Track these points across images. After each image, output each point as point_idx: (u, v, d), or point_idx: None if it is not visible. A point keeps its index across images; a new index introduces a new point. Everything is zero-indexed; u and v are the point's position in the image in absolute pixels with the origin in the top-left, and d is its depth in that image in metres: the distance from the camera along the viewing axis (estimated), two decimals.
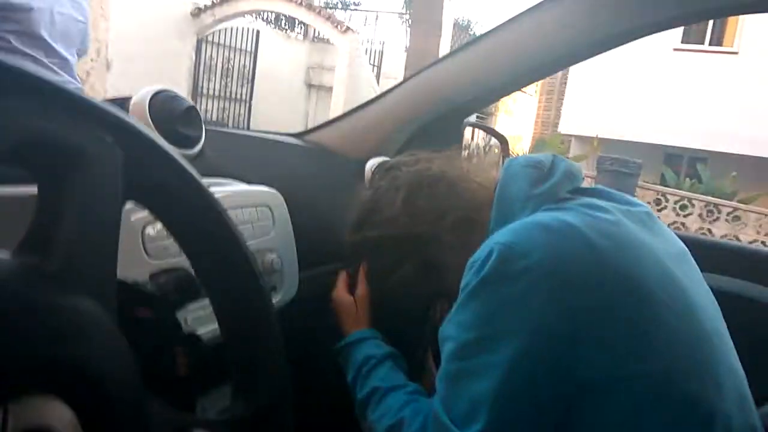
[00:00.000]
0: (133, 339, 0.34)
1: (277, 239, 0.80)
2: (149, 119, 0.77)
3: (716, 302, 0.72)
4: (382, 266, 0.85)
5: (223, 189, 0.74)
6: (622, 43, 1.08)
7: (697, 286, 0.70)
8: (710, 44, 10.27)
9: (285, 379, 0.43)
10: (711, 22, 10.15)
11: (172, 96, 0.80)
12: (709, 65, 10.01)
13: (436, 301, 0.92)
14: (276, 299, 0.80)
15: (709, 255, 0.73)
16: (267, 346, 0.42)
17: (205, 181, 0.79)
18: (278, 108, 11.23)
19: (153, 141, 0.38)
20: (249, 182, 0.85)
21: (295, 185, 0.98)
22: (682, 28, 10.03)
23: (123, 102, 0.81)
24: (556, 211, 0.67)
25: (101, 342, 0.31)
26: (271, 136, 1.18)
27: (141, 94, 0.81)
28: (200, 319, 0.63)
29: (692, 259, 0.74)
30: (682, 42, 10.29)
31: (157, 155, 0.38)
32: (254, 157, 0.98)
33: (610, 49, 1.11)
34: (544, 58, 1.13)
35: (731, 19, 10.02)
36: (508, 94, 1.27)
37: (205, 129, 0.87)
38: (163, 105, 0.79)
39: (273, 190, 0.82)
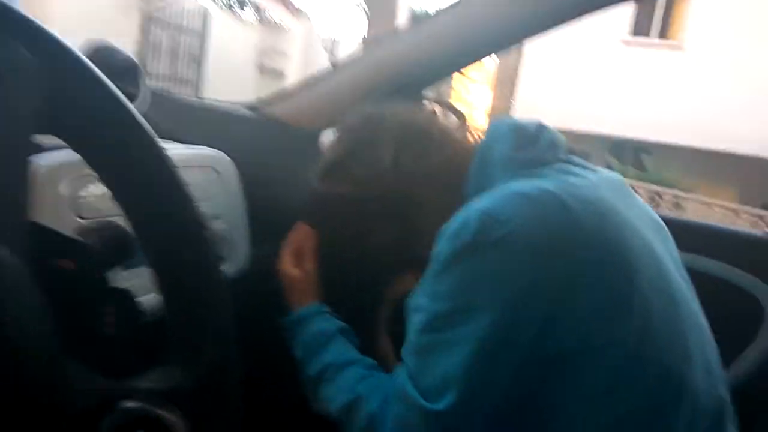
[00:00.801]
0: (51, 292, 0.29)
1: (224, 205, 0.74)
2: None
3: (688, 277, 0.71)
4: (356, 228, 0.78)
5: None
6: (575, 18, 1.07)
7: (671, 259, 0.68)
8: (657, 37, 10.57)
9: (230, 346, 0.38)
10: (658, 15, 10.45)
11: (107, 47, 0.74)
12: (656, 57, 10.31)
13: (403, 271, 0.88)
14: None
15: (685, 234, 0.72)
16: (211, 308, 0.37)
17: None
18: (228, 91, 10.95)
19: (82, 62, 0.32)
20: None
21: (247, 156, 0.92)
22: (630, 21, 10.31)
23: None
24: (534, 178, 0.64)
25: (5, 291, 0.25)
26: (222, 105, 1.11)
27: (79, 46, 0.74)
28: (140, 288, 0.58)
29: (667, 231, 0.73)
30: (630, 34, 10.55)
31: (88, 81, 0.32)
32: (203, 125, 0.92)
33: (562, 24, 1.09)
34: (498, 32, 1.12)
35: (677, 13, 10.35)
36: (465, 65, 1.24)
37: (150, 90, 0.81)
38: (102, 58, 0.73)
39: (219, 152, 0.76)
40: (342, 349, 0.76)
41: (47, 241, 0.33)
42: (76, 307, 0.33)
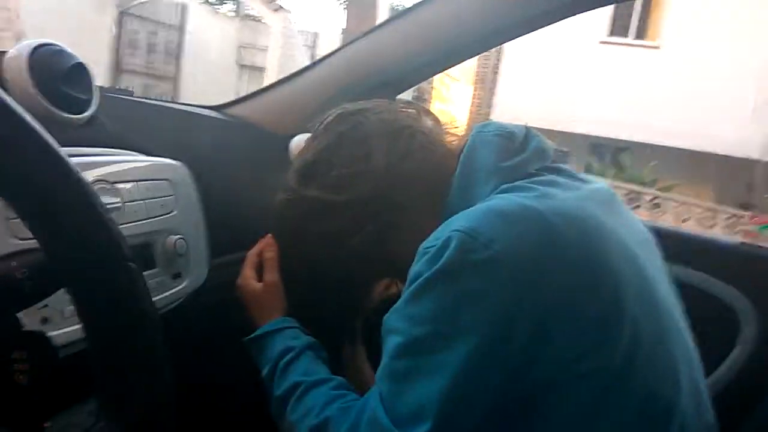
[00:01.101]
0: None
1: (181, 219, 0.70)
2: (28, 77, 0.66)
3: (675, 293, 0.68)
4: (332, 233, 0.71)
5: (114, 159, 0.64)
6: (556, 20, 1.04)
7: (660, 275, 0.66)
8: (635, 38, 10.66)
9: (163, 385, 0.34)
10: (636, 16, 10.54)
11: (56, 50, 0.69)
12: (633, 58, 10.40)
13: (381, 279, 0.84)
14: (180, 287, 0.71)
15: (671, 244, 0.70)
16: (140, 343, 0.33)
17: (94, 150, 0.69)
18: (208, 87, 10.83)
19: None
20: (152, 155, 0.74)
21: (211, 161, 0.88)
22: (608, 21, 10.39)
23: None
24: (518, 192, 0.61)
25: None
26: (184, 107, 1.07)
27: (19, 47, 0.69)
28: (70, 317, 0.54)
29: (656, 246, 0.70)
30: (608, 35, 10.63)
31: None
32: (162, 129, 0.88)
33: (542, 26, 1.06)
34: (477, 32, 1.08)
35: (654, 14, 10.45)
36: (442, 69, 1.20)
37: (102, 93, 0.76)
38: (45, 60, 0.68)
39: (176, 162, 0.72)
40: (310, 367, 0.72)
41: None
42: None
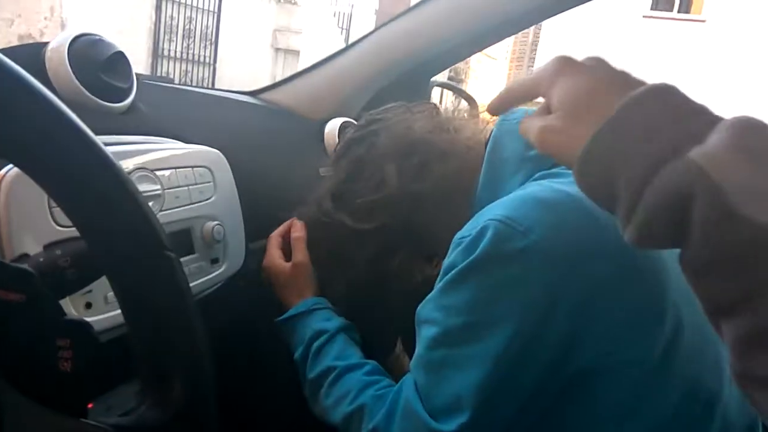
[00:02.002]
0: None
1: (220, 205, 0.71)
2: (68, 67, 0.67)
3: None
4: (365, 260, 0.74)
5: (153, 146, 0.65)
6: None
7: None
8: (679, 11, 10.29)
9: (205, 374, 0.35)
10: None
11: (95, 40, 0.70)
12: (678, 32, 10.04)
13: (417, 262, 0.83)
14: (218, 272, 0.72)
15: None
16: (180, 333, 0.34)
17: (134, 138, 0.71)
18: (244, 71, 10.92)
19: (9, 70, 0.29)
20: (190, 142, 0.75)
21: (246, 147, 0.89)
22: None
23: (40, 48, 0.71)
24: (553, 179, 0.59)
25: None
26: (220, 93, 1.08)
27: (59, 38, 0.71)
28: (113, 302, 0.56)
29: None
30: (651, 9, 10.28)
31: (17, 91, 0.29)
32: (198, 116, 0.89)
33: (583, 2, 1.03)
34: (511, 13, 1.06)
35: None
36: (478, 50, 1.18)
37: (140, 81, 0.77)
38: (84, 51, 0.69)
39: (214, 150, 0.73)
40: (344, 351, 0.72)
41: None
42: (26, 343, 0.30)
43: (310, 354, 0.73)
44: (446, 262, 0.58)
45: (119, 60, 0.71)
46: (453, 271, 0.55)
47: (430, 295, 0.59)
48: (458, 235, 0.58)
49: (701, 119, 0.36)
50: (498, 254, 0.53)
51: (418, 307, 0.60)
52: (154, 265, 0.33)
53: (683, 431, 0.54)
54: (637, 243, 0.36)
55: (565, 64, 0.44)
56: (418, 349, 0.59)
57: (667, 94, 0.38)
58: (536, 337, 0.52)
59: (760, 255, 0.30)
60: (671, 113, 0.36)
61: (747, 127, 0.33)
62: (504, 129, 0.67)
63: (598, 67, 0.43)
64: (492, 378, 0.53)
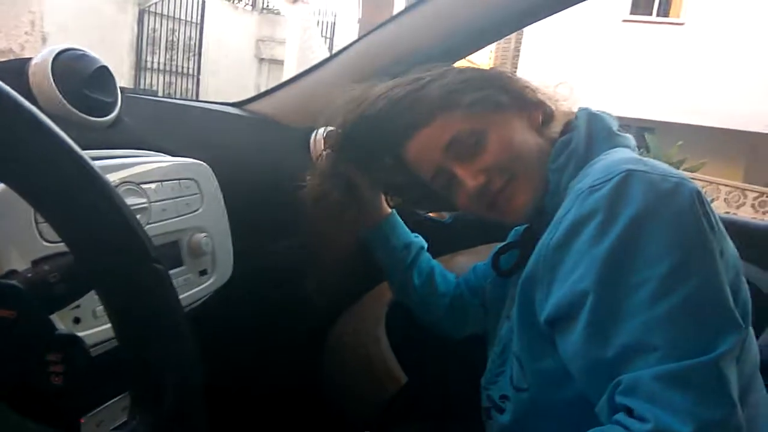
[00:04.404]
0: None
1: (207, 217, 0.71)
2: (52, 82, 0.67)
3: None
4: None
5: (139, 160, 0.65)
6: (568, 6, 1.02)
7: None
8: (658, 15, 10.43)
9: (195, 386, 0.35)
10: None
11: (79, 55, 0.70)
12: (657, 36, 10.18)
13: None
14: (206, 284, 0.72)
15: None
16: (170, 345, 0.34)
17: (119, 152, 0.71)
18: (228, 82, 10.90)
19: None
20: (176, 155, 0.76)
21: (232, 158, 0.90)
22: (630, 1, 10.17)
23: (24, 63, 0.71)
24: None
25: None
26: (205, 105, 1.08)
27: (43, 53, 0.71)
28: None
29: None
30: (630, 13, 10.41)
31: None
32: (184, 128, 0.89)
33: (564, 8, 1.04)
34: (493, 20, 1.07)
35: None
36: (462, 56, 1.19)
37: (124, 95, 0.77)
38: (68, 66, 0.69)
39: (200, 162, 0.73)
40: None
41: None
42: (17, 359, 0.30)
43: None
44: (573, 214, 0.61)
45: (103, 74, 0.71)
46: (613, 226, 0.58)
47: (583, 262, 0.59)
48: (583, 185, 0.62)
49: None
50: (656, 194, 0.58)
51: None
52: (143, 277, 0.33)
53: None
54: None
55: None
56: (634, 317, 0.55)
57: None
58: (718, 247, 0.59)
59: None
60: None
61: None
62: (590, 111, 0.79)
63: None
64: (721, 287, 0.56)
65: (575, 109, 0.80)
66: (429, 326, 1.06)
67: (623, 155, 0.66)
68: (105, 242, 0.32)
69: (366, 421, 1.14)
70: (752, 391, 0.66)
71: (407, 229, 1.01)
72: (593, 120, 0.76)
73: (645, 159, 0.64)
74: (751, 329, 0.67)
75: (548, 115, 0.81)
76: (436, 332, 1.06)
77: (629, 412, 0.53)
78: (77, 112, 0.67)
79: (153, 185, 0.64)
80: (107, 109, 0.71)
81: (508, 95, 0.78)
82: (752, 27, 9.09)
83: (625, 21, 10.36)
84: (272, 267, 0.90)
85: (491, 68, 0.85)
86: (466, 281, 1.04)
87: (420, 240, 1.03)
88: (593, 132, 0.74)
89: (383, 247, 0.99)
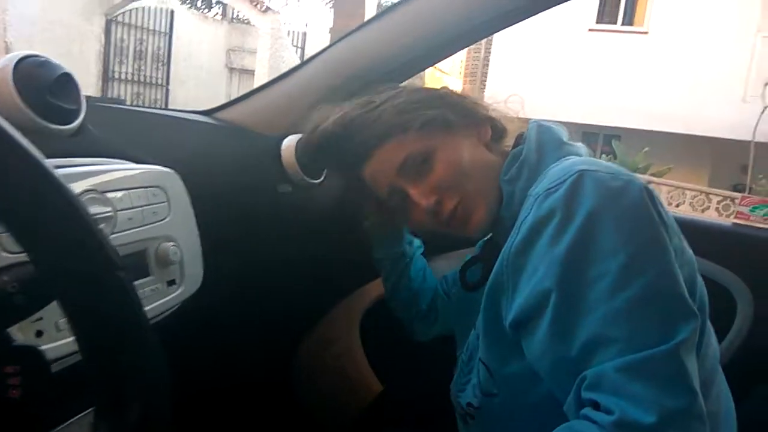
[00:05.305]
0: None
1: (175, 225, 0.70)
2: (14, 89, 0.66)
3: None
4: None
5: (104, 168, 0.63)
6: (543, 9, 1.04)
7: None
8: (622, 24, 10.66)
9: (162, 400, 0.34)
10: (623, 3, 10.54)
11: (41, 62, 0.68)
12: (622, 45, 10.41)
13: None
14: (175, 294, 0.70)
15: None
16: (136, 358, 0.33)
17: (84, 160, 0.69)
18: (198, 92, 10.81)
19: None
20: (143, 163, 0.74)
21: (201, 166, 0.88)
22: (596, 8, 10.39)
23: None
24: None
25: None
26: (172, 113, 1.06)
27: (4, 60, 0.69)
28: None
29: None
30: (596, 22, 10.63)
31: None
32: (151, 136, 0.87)
33: (530, 15, 1.06)
34: (464, 24, 1.08)
35: (641, 0, 10.45)
36: (432, 63, 1.20)
37: (90, 103, 0.76)
38: (30, 73, 0.67)
39: (167, 170, 0.72)
40: None
41: None
42: None
43: None
44: (533, 215, 0.62)
45: (67, 81, 0.69)
46: (570, 223, 0.59)
47: (552, 258, 0.60)
48: (539, 189, 0.64)
49: None
50: (607, 191, 0.60)
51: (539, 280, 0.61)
52: (106, 284, 0.32)
53: None
54: None
55: None
56: (592, 311, 0.56)
57: None
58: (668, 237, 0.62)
59: None
60: None
61: None
62: (543, 122, 0.81)
63: None
64: (674, 276, 0.58)
65: (528, 121, 0.84)
66: (406, 323, 1.09)
67: (576, 159, 0.69)
68: (66, 249, 0.31)
69: (343, 430, 1.13)
70: (714, 385, 0.68)
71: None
72: (543, 131, 0.79)
73: (597, 160, 0.67)
74: (710, 325, 0.69)
75: (499, 131, 0.85)
76: (408, 331, 1.09)
77: (596, 405, 0.53)
78: (40, 119, 0.66)
79: (118, 194, 0.63)
80: (71, 116, 0.69)
81: (457, 114, 0.81)
82: (713, 35, 9.35)
83: (591, 30, 10.56)
84: (243, 276, 0.89)
85: (442, 87, 0.86)
86: (440, 286, 1.06)
87: (418, 240, 1.09)
88: (543, 142, 0.77)
89: (391, 240, 1.03)
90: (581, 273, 0.58)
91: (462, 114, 0.81)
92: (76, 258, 0.31)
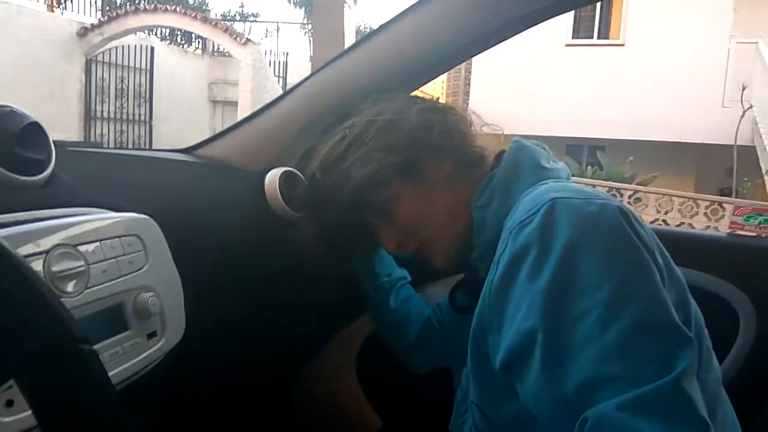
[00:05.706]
0: None
1: (153, 274, 0.67)
2: None
3: None
4: None
5: (75, 219, 0.60)
6: (513, 34, 1.04)
7: None
8: (598, 38, 10.83)
9: None
10: (597, 17, 10.72)
11: (6, 112, 0.66)
12: (600, 57, 10.55)
13: None
14: (156, 347, 0.67)
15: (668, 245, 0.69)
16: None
17: (54, 212, 0.66)
18: (182, 127, 10.80)
19: None
20: (118, 210, 0.71)
21: (181, 208, 0.85)
22: (571, 24, 10.56)
23: None
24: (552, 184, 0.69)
25: None
26: (150, 154, 1.04)
27: None
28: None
29: None
30: (572, 38, 10.78)
31: None
32: (127, 180, 0.84)
33: (508, 37, 1.05)
34: (444, 48, 1.07)
35: (616, 13, 10.63)
36: (413, 89, 1.19)
37: (62, 149, 0.73)
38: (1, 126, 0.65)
39: (143, 216, 0.69)
40: None
41: None
42: None
43: None
44: (510, 251, 0.60)
45: (34, 131, 0.66)
46: (548, 257, 0.57)
47: (533, 302, 0.57)
48: (513, 221, 0.62)
49: None
50: (584, 218, 0.58)
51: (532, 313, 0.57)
52: (66, 361, 0.29)
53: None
54: None
55: None
56: (583, 353, 0.53)
57: None
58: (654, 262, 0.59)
59: None
60: None
61: None
62: (522, 142, 0.79)
63: None
64: (664, 305, 0.55)
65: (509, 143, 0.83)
66: (399, 355, 1.06)
67: (549, 186, 0.67)
68: (14, 326, 0.28)
69: None
70: (718, 410, 0.66)
71: (393, 262, 1.08)
72: (520, 153, 0.78)
73: (570, 185, 0.65)
74: (708, 346, 0.66)
75: (474, 158, 0.83)
76: (404, 364, 1.06)
77: None
78: (6, 172, 0.63)
79: (91, 246, 0.59)
80: (40, 166, 0.66)
81: (425, 151, 0.80)
82: (689, 42, 9.50)
83: (568, 45, 10.71)
84: (231, 319, 0.85)
85: (413, 122, 0.81)
86: (434, 314, 1.03)
87: (402, 271, 1.08)
88: (518, 164, 0.76)
89: (368, 274, 1.05)
90: (566, 308, 0.55)
91: (430, 151, 0.80)
92: (28, 333, 0.28)
